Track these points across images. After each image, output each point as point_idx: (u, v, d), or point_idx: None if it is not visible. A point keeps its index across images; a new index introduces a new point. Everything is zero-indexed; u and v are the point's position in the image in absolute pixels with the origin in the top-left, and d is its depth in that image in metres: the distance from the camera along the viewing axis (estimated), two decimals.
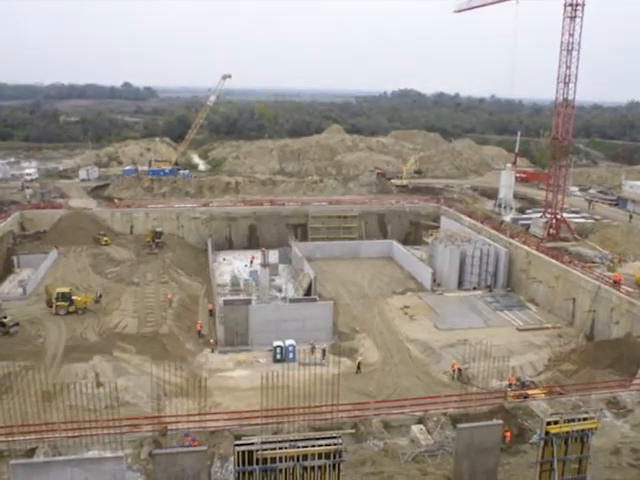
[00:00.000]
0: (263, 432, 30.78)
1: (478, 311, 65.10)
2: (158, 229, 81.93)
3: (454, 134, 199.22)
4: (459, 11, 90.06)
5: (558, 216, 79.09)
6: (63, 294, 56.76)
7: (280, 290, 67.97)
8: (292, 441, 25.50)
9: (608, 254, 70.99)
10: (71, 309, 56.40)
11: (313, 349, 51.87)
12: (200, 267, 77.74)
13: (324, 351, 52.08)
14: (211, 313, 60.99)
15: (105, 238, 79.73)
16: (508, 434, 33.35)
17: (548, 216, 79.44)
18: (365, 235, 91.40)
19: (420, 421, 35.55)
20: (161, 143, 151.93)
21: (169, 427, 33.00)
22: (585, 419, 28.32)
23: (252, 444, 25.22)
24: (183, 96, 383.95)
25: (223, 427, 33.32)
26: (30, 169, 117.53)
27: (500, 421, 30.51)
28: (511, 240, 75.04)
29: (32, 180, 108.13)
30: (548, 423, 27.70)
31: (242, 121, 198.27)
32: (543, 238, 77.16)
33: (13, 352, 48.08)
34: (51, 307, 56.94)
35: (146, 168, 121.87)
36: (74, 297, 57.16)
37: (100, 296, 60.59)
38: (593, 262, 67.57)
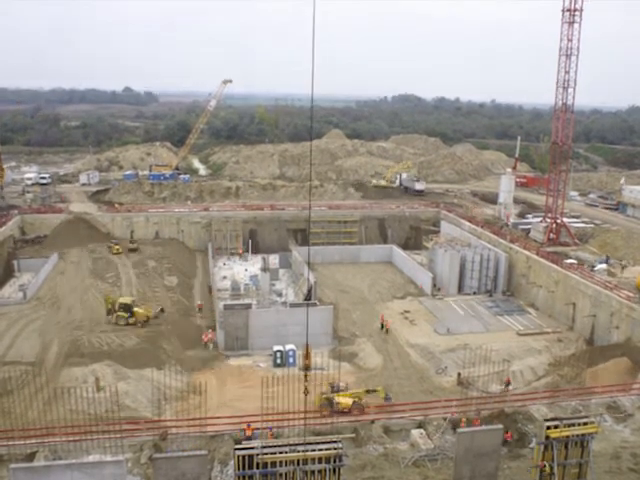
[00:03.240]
0: (263, 436, 30.81)
1: (478, 316, 65.12)
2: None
3: (454, 139, 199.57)
4: None
5: (558, 221, 79.18)
6: (125, 305, 56.53)
7: (280, 295, 67.98)
8: (292, 445, 25.52)
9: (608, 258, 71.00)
10: (131, 321, 56.11)
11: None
12: (201, 271, 77.85)
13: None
14: (200, 310, 62.72)
15: (117, 247, 78.49)
16: (509, 435, 33.42)
17: (548, 221, 79.52)
18: (365, 240, 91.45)
19: (420, 425, 35.55)
20: (162, 148, 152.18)
21: (169, 431, 33.02)
22: (585, 424, 28.35)
23: (252, 448, 25.26)
24: (184, 101, 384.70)
25: (223, 431, 33.32)
26: (32, 173, 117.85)
27: (500, 425, 30.52)
28: (511, 245, 75.07)
29: (45, 185, 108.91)
30: (548, 427, 27.72)
31: (242, 126, 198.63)
32: (543, 243, 77.22)
33: None
34: (110, 316, 56.78)
35: (147, 173, 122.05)
36: (135, 309, 56.80)
37: (162, 310, 59.55)
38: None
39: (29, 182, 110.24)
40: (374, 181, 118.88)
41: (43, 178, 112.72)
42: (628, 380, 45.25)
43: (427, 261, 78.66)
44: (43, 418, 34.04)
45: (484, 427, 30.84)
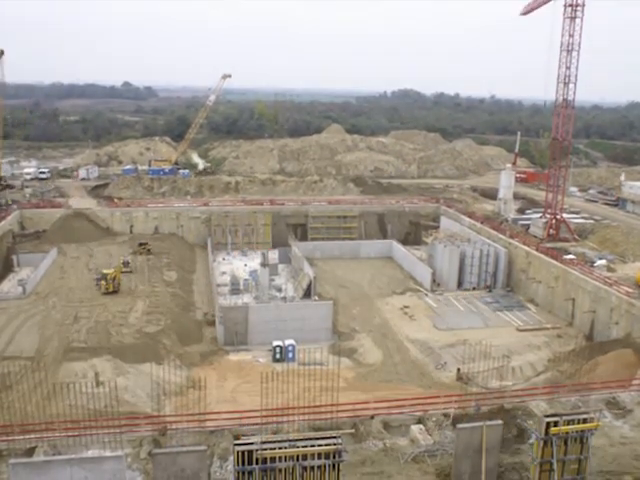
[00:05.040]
0: (263, 432, 30.76)
1: (478, 311, 65.09)
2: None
3: (454, 134, 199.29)
4: (525, 13, 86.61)
5: (558, 216, 79.12)
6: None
7: (280, 290, 67.95)
8: (292, 441, 25.48)
9: (608, 255, 70.99)
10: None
11: None
12: (201, 266, 77.80)
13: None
14: None
15: (148, 246, 77.84)
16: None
17: (548, 216, 79.46)
18: (365, 235, 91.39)
19: (420, 421, 35.53)
20: (161, 142, 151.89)
21: (168, 426, 32.98)
22: (585, 420, 28.34)
23: (252, 444, 25.21)
24: (183, 95, 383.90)
25: (222, 426, 33.29)
26: (31, 168, 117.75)
27: (499, 421, 30.48)
28: (511, 240, 75.05)
29: (43, 179, 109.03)
30: (548, 423, 27.71)
31: (242, 121, 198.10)
32: (543, 238, 77.17)
33: None
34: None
35: (146, 168, 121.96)
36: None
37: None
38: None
39: (28, 177, 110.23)
40: None
41: (42, 173, 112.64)
42: (630, 372, 45.28)
43: (427, 256, 78.62)
44: (42, 413, 34.00)
45: (483, 423, 30.76)
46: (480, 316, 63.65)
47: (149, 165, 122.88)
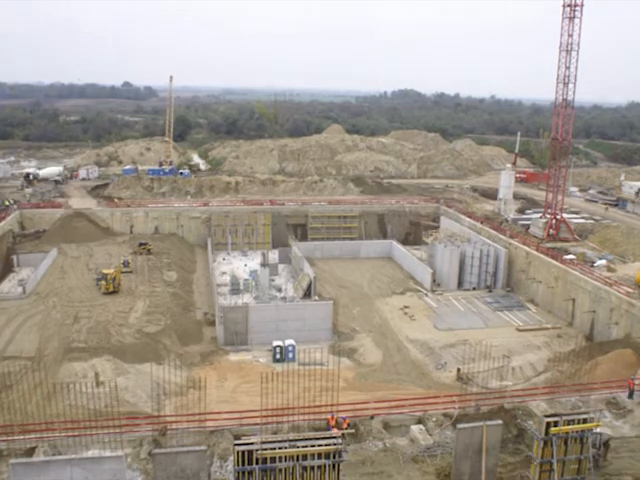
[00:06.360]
0: (263, 432, 30.78)
1: (478, 311, 65.10)
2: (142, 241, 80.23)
3: (454, 134, 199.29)
4: None
5: (558, 216, 79.11)
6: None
7: (280, 290, 67.96)
8: (292, 441, 25.50)
9: (607, 255, 70.99)
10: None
11: None
12: (201, 266, 77.81)
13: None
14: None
15: (149, 247, 77.94)
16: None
17: (548, 216, 79.45)
18: (365, 235, 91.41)
19: (419, 421, 35.56)
20: (161, 143, 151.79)
21: (169, 426, 33.00)
22: (585, 420, 28.36)
23: (252, 444, 25.23)
24: (183, 95, 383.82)
25: (223, 427, 33.31)
26: (30, 168, 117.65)
27: (499, 421, 30.51)
28: (511, 240, 75.05)
29: (38, 180, 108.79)
30: (548, 423, 27.74)
31: (242, 121, 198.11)
32: (543, 238, 77.16)
33: None
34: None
35: (157, 168, 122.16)
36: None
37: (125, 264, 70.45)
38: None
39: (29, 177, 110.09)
40: None
41: (28, 174, 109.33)
42: (630, 372, 45.29)
43: (427, 256, 78.61)
44: (42, 413, 34.01)
45: (483, 423, 30.78)
46: (480, 316, 63.65)
47: (160, 166, 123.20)
